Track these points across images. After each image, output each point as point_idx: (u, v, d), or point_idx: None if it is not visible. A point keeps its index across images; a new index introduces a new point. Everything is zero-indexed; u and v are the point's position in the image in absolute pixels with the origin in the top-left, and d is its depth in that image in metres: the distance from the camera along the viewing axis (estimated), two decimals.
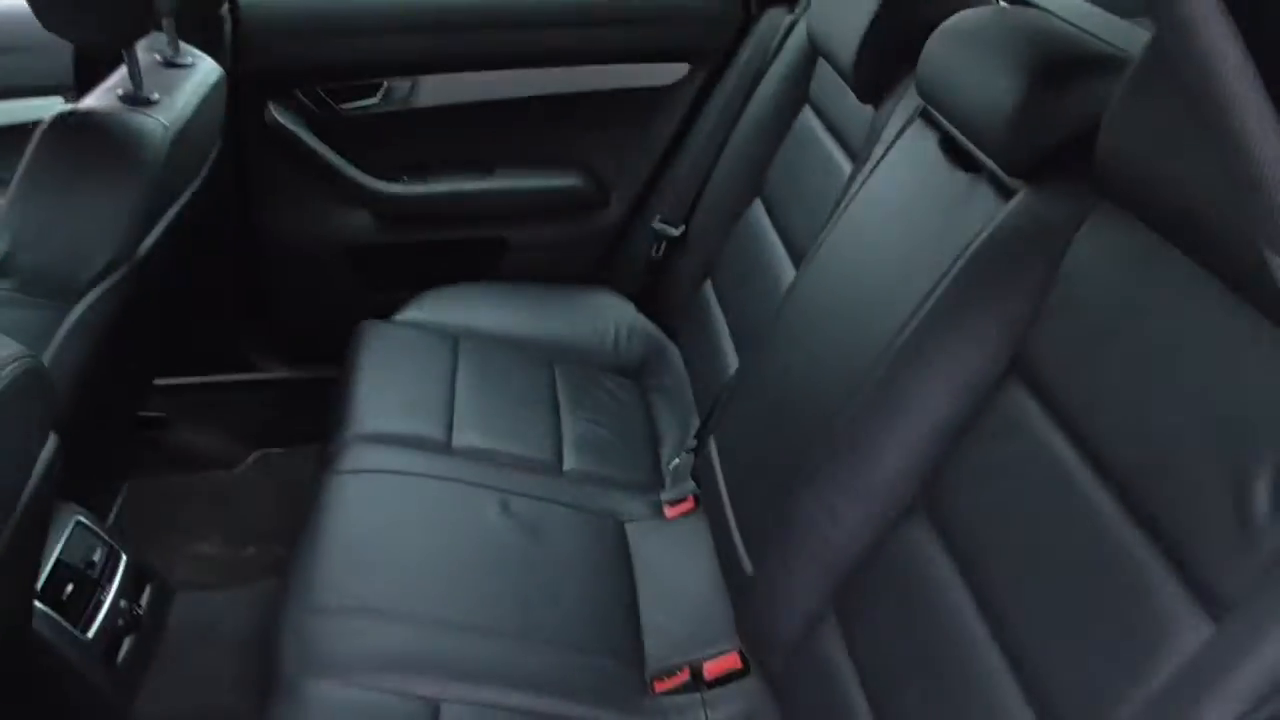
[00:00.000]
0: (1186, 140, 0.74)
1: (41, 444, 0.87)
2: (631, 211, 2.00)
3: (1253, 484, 0.67)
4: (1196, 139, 0.68)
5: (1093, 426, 0.84)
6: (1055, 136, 0.98)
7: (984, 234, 1.03)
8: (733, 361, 1.60)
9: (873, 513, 1.06)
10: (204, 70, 1.42)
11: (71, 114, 1.18)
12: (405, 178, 1.92)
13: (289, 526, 1.76)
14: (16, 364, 0.79)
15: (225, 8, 1.67)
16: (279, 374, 2.01)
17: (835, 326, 1.23)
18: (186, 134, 1.28)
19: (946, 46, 1.18)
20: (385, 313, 1.81)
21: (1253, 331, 0.70)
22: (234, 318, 1.97)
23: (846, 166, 1.49)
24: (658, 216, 1.92)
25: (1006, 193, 1.04)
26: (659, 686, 1.24)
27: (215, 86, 1.42)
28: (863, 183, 1.34)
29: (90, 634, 1.17)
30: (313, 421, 1.88)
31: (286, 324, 1.99)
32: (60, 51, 1.63)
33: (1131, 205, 0.86)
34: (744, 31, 1.92)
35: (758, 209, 1.72)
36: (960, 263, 1.04)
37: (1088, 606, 0.78)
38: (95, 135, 1.17)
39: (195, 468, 1.91)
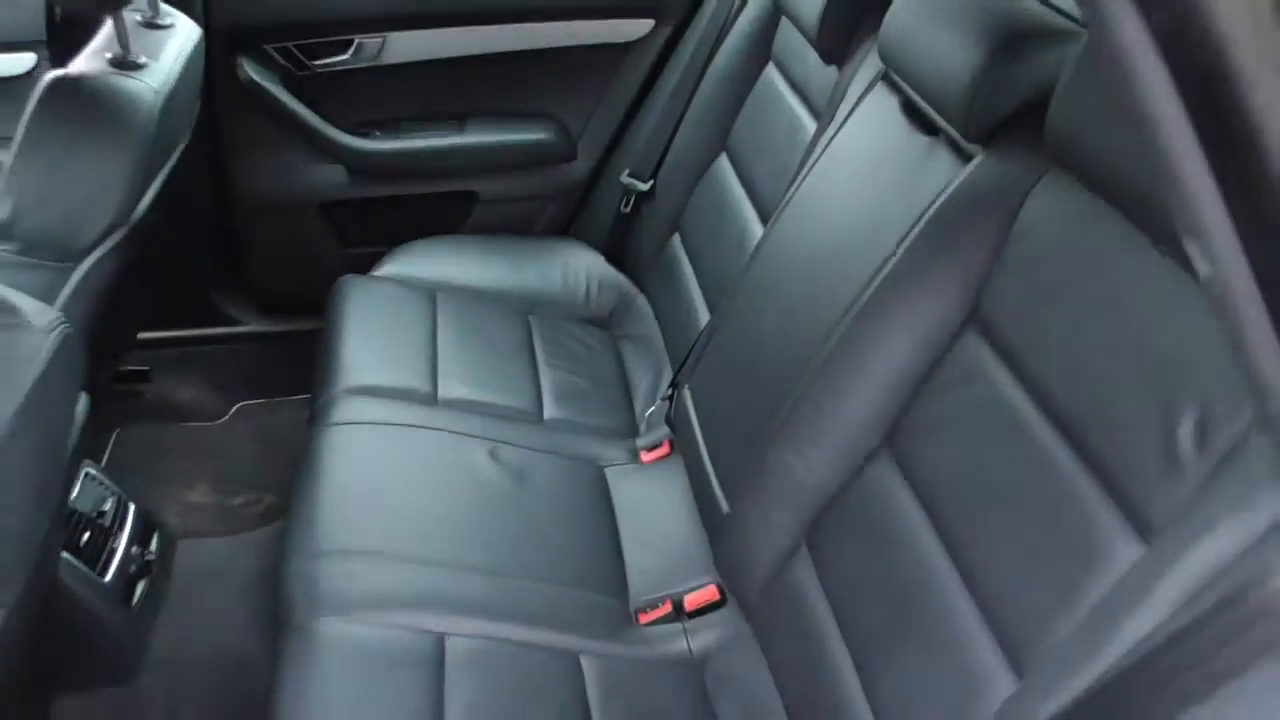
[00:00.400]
0: (1124, 119, 0.82)
1: (75, 403, 0.93)
2: (600, 165, 2.05)
3: (1179, 424, 0.77)
4: (1131, 122, 0.76)
5: (1041, 372, 0.94)
6: (1010, 105, 1.06)
7: (944, 195, 1.11)
8: (701, 311, 1.67)
9: (841, 455, 1.15)
10: (184, 31, 1.43)
11: (65, 78, 1.20)
12: (377, 133, 1.95)
13: (274, 475, 1.83)
14: (59, 330, 0.84)
15: None
16: (256, 327, 2.04)
17: (804, 281, 1.31)
18: (175, 97, 1.31)
19: (909, 14, 1.24)
20: (359, 266, 1.85)
21: (1181, 289, 0.80)
22: (211, 272, 1.99)
23: (810, 124, 1.56)
24: (626, 170, 1.98)
25: (965, 156, 1.12)
26: (643, 618, 1.34)
27: (196, 47, 1.44)
28: (828, 142, 1.41)
29: (107, 579, 1.23)
30: (290, 373, 1.93)
31: (262, 278, 2.03)
32: (30, 6, 1.63)
33: (1079, 172, 0.95)
34: None
35: (723, 163, 1.79)
36: (921, 222, 1.12)
37: (1035, 532, 0.89)
38: (90, 100, 1.20)
39: (177, 419, 1.95)
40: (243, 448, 1.95)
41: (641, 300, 1.93)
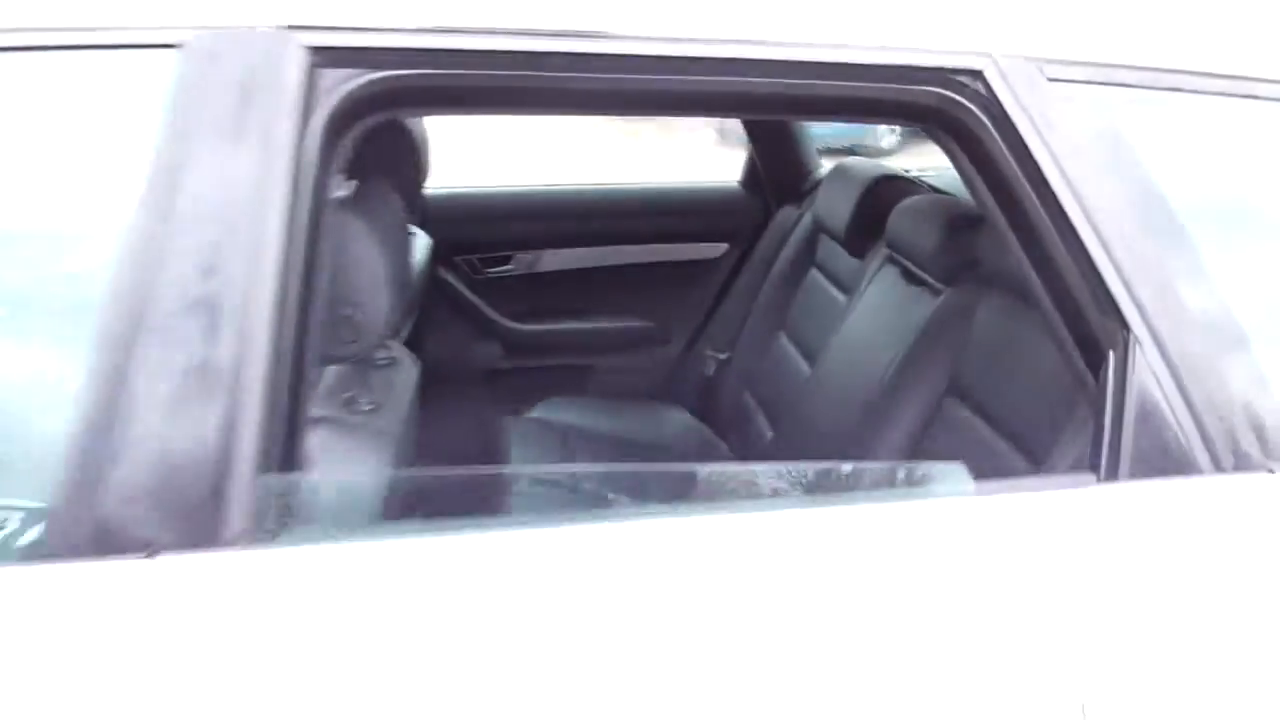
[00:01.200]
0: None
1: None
2: (688, 346, 2.73)
3: (1058, 404, 1.34)
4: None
5: (990, 404, 1.52)
6: (962, 258, 1.71)
7: (927, 318, 1.74)
8: (769, 438, 2.26)
9: None
10: (423, 238, 2.18)
11: None
12: (526, 320, 2.66)
13: None
14: (417, 363, 1.46)
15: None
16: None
17: (843, 384, 1.92)
18: (420, 276, 2.02)
19: (903, 217, 1.93)
20: None
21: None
22: None
23: (842, 299, 2.22)
24: (709, 348, 2.64)
25: (937, 293, 1.76)
26: None
27: (426, 250, 2.18)
28: (854, 305, 2.07)
29: None
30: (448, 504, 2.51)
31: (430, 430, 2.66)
32: None
33: (1003, 289, 1.58)
34: (766, 221, 2.71)
35: (783, 338, 2.44)
36: (913, 337, 1.74)
37: None
38: None
39: None
40: None
41: (721, 447, 2.52)
